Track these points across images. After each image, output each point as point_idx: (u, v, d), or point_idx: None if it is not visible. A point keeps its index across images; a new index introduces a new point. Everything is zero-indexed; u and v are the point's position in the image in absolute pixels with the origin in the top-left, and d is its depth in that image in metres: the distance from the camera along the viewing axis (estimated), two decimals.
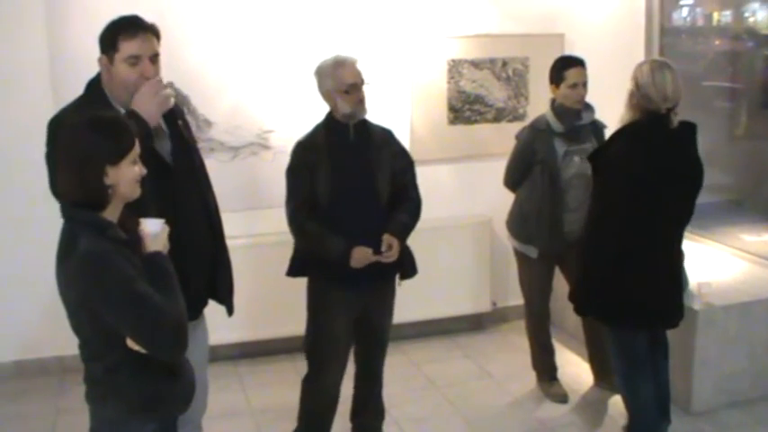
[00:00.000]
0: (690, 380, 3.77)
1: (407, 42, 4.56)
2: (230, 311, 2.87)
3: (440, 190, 4.71)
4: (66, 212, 2.04)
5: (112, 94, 2.48)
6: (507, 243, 4.18)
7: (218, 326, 3.01)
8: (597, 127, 3.84)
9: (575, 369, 4.32)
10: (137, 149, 2.05)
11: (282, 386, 4.02)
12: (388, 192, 3.17)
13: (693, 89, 3.32)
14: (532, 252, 3.87)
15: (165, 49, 2.59)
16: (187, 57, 4.10)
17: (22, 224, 4.09)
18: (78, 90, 2.56)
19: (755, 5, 5.56)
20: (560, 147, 3.73)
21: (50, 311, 2.72)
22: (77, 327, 2.06)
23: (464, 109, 4.74)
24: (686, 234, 3.22)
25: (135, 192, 2.07)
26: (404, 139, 4.50)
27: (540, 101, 4.43)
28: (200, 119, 4.24)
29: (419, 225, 3.25)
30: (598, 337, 3.81)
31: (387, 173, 3.17)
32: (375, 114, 3.28)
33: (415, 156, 4.76)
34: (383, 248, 3.04)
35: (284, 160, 3.23)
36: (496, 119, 4.81)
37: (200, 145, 3.12)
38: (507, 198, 4.02)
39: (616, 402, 3.77)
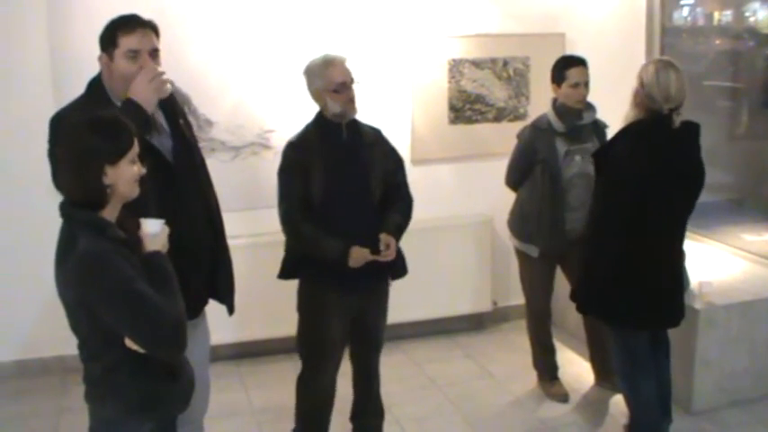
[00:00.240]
0: (691, 379, 3.77)
1: (408, 42, 4.56)
2: (231, 311, 2.87)
3: (441, 189, 4.72)
4: (64, 211, 2.03)
5: (113, 92, 2.49)
6: (508, 242, 4.18)
7: (219, 325, 3.01)
8: (598, 126, 3.84)
9: (576, 368, 4.32)
10: (136, 149, 2.06)
11: (283, 386, 4.00)
12: (380, 191, 3.16)
13: (694, 89, 3.31)
14: (533, 251, 3.87)
15: (165, 48, 2.60)
16: (188, 56, 4.11)
17: (23, 224, 4.09)
18: (80, 89, 2.57)
19: (756, 5, 5.56)
20: (561, 146, 3.73)
21: (51, 311, 2.72)
22: (76, 326, 2.07)
23: (465, 108, 4.74)
24: (687, 233, 3.22)
25: (134, 191, 2.08)
26: (404, 139, 4.53)
27: (540, 100, 4.43)
28: (202, 118, 4.23)
29: (420, 224, 3.24)
30: (599, 337, 3.82)
31: (379, 172, 3.16)
32: (375, 114, 3.28)
33: (415, 155, 4.76)
34: (381, 248, 3.03)
35: None
36: (497, 118, 4.80)
37: (202, 144, 3.12)
38: (508, 197, 4.02)
39: (617, 402, 3.77)
